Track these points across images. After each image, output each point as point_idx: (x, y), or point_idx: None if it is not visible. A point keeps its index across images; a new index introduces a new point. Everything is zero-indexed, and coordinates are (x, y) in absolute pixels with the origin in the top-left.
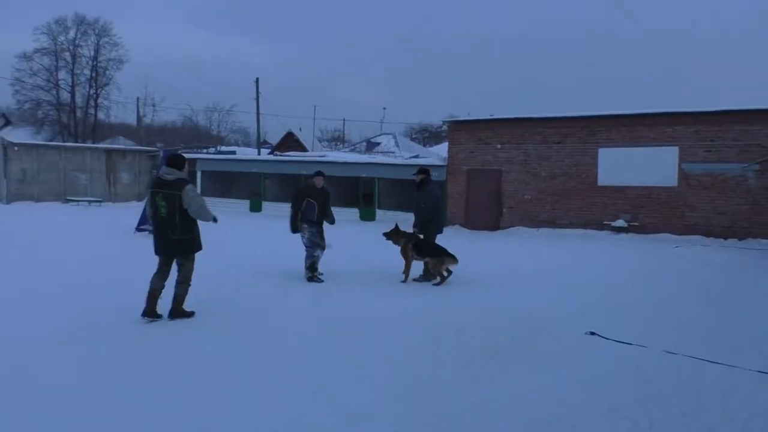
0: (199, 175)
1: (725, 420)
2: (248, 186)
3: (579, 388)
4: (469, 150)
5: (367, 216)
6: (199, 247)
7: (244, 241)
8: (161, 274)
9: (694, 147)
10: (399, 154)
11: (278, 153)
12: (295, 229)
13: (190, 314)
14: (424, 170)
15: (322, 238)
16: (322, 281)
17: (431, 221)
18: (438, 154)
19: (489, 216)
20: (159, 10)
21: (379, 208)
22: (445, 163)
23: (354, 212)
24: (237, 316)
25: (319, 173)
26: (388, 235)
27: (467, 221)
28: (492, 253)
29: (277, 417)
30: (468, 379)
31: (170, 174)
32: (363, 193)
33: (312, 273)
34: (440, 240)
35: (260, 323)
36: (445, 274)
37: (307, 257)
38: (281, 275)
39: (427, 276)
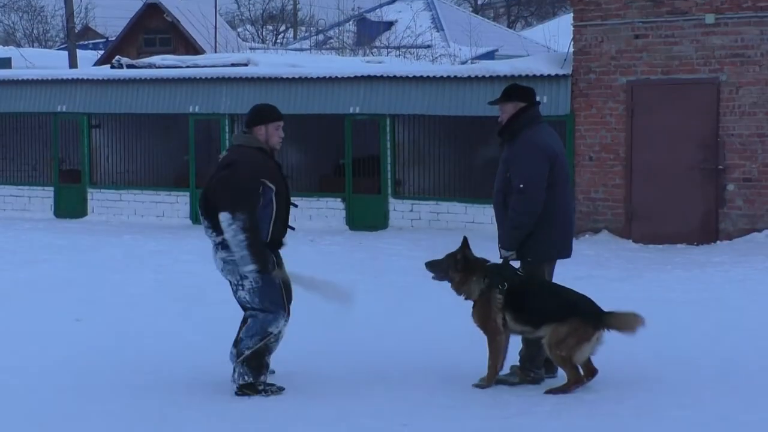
0: None
1: None
2: (42, 149)
3: None
4: (628, 33)
5: (366, 216)
6: None
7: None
8: None
9: None
10: (443, 49)
11: (124, 61)
12: (268, 264)
13: None
14: (517, 92)
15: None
16: (275, 392)
17: (545, 225)
18: (546, 45)
19: (689, 206)
20: None
21: (398, 195)
22: (566, 70)
23: (333, 208)
24: None
25: (268, 111)
26: (441, 268)
27: (630, 221)
28: (713, 309)
29: None
30: None
31: None
32: (354, 158)
33: (255, 377)
34: (563, 273)
35: None
36: (580, 369)
37: (251, 334)
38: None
39: (532, 367)
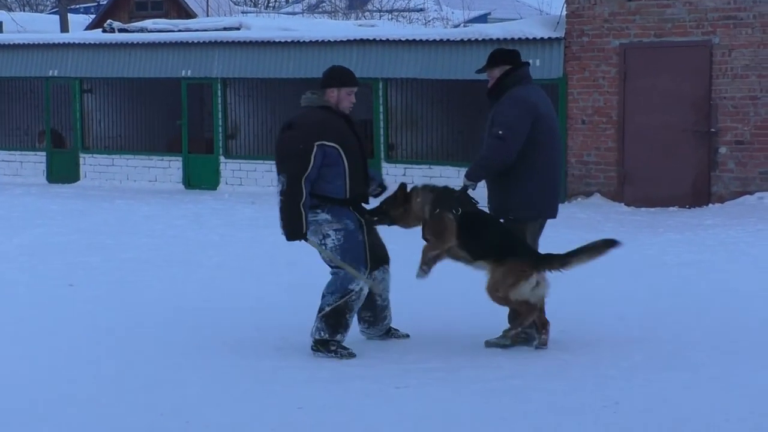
0: None
1: None
2: (34, 114)
3: None
4: None
5: None
6: None
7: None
8: None
9: None
10: (436, 12)
11: (116, 25)
12: (299, 230)
13: None
14: (502, 56)
15: (377, 242)
16: (345, 356)
17: (527, 184)
18: (538, 8)
19: (681, 169)
20: None
21: (391, 159)
22: (560, 33)
23: None
24: None
25: (344, 75)
26: (382, 211)
27: (622, 184)
28: (700, 277)
29: None
30: None
31: None
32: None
33: (331, 333)
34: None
35: None
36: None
37: (332, 291)
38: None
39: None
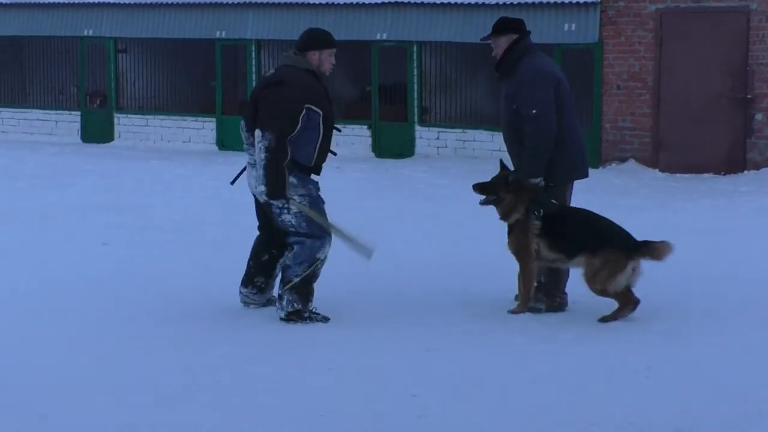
0: None
1: None
2: (68, 74)
3: None
4: None
5: (392, 144)
6: None
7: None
8: None
9: None
10: None
11: None
12: (282, 189)
13: None
14: (509, 25)
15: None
16: (320, 320)
17: (560, 148)
18: None
19: (716, 135)
20: None
21: (424, 123)
22: None
23: (359, 135)
24: None
25: (324, 37)
26: (493, 190)
27: (657, 150)
28: (735, 243)
29: None
30: None
31: None
32: (380, 85)
33: (303, 303)
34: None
35: None
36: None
37: (299, 261)
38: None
39: (557, 293)
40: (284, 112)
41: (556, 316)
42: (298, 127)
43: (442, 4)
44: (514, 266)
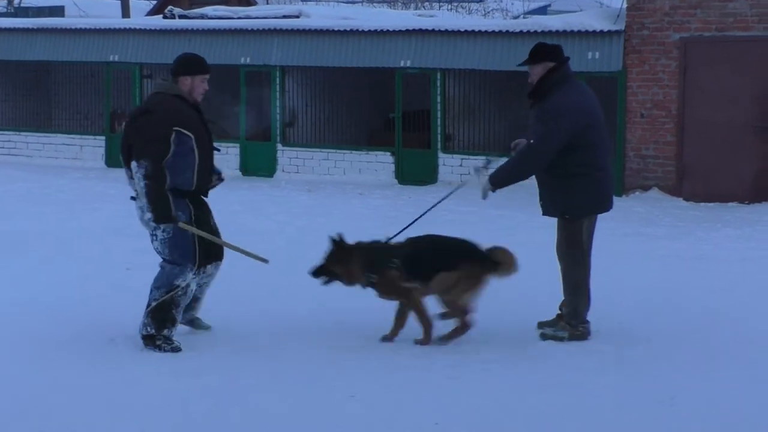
0: None
1: None
2: (94, 99)
3: None
4: None
5: (416, 171)
6: None
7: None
8: None
9: None
10: (495, 3)
11: (176, 12)
12: (167, 213)
13: None
14: (545, 52)
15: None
16: (170, 350)
17: (586, 182)
18: (599, 0)
19: (741, 164)
20: None
21: (448, 150)
22: (620, 25)
23: (382, 161)
24: None
25: (196, 63)
26: (326, 271)
27: (681, 178)
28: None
29: None
30: None
31: None
32: (404, 112)
33: (157, 329)
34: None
35: None
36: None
37: (158, 286)
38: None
39: (578, 323)
40: (154, 138)
41: (579, 345)
42: (172, 150)
43: (466, 31)
44: (537, 294)
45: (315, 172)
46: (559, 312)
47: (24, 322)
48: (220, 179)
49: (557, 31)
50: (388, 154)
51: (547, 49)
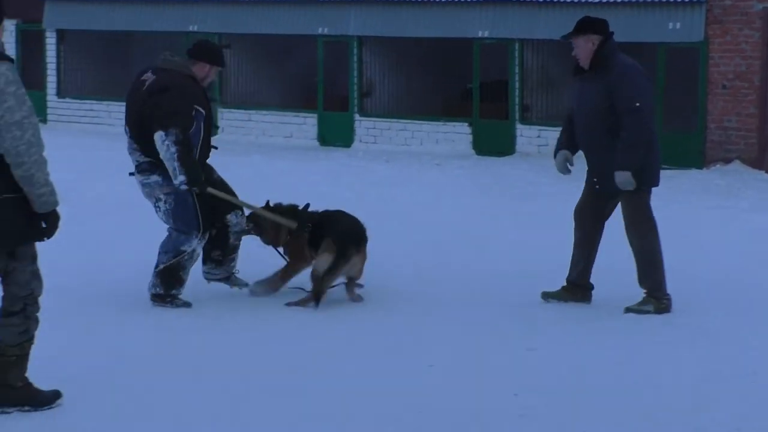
0: (50, 39)
1: None
2: None
3: None
4: None
5: (493, 141)
6: (31, 234)
7: None
8: None
9: None
10: None
11: None
12: (198, 177)
13: (44, 399)
14: (592, 25)
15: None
16: (179, 306)
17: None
18: None
19: None
20: None
21: (526, 121)
22: None
23: (459, 132)
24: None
25: (218, 55)
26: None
27: (764, 151)
28: None
29: None
30: None
31: None
32: (481, 82)
33: (165, 289)
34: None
35: None
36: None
37: (165, 250)
38: None
39: (661, 295)
40: (180, 110)
41: (658, 319)
42: (193, 124)
43: (544, 2)
44: (618, 266)
45: (392, 142)
46: (580, 284)
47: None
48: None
49: (637, 2)
50: (466, 124)
51: (594, 21)
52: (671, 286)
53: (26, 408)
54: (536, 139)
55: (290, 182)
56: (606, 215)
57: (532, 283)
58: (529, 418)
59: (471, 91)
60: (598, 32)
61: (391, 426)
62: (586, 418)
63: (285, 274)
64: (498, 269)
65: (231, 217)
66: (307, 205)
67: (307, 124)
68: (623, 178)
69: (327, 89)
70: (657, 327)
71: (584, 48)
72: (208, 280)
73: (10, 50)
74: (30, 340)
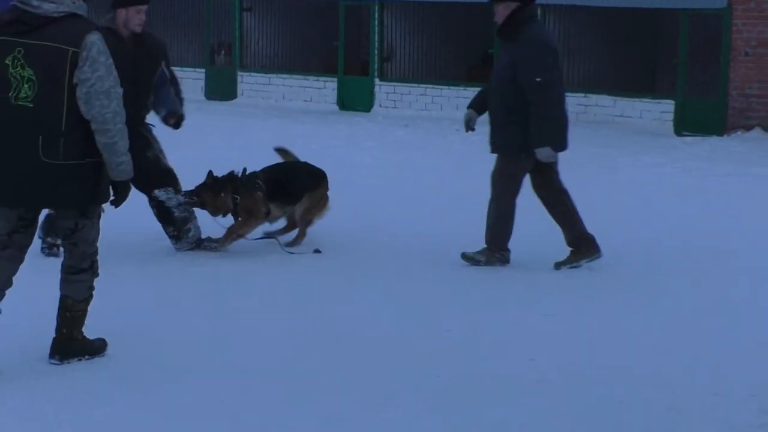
0: None
1: None
2: (194, 30)
3: None
4: None
5: None
6: (104, 196)
7: None
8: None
9: None
10: None
11: None
12: None
13: (97, 348)
14: None
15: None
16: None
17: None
18: None
19: None
20: None
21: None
22: None
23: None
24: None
25: None
26: (198, 192)
27: None
28: None
29: None
30: None
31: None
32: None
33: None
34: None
35: None
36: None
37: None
38: None
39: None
40: None
41: (679, 286)
42: None
43: None
44: (639, 234)
45: (412, 107)
46: (581, 236)
47: None
48: (175, 116)
49: None
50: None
51: None
52: (696, 255)
53: (86, 357)
54: None
55: (309, 146)
56: (552, 175)
57: (554, 250)
58: (546, 383)
59: (491, 56)
60: None
61: (409, 391)
62: (603, 382)
63: (241, 227)
64: (516, 235)
65: (159, 193)
66: (245, 170)
67: (327, 89)
68: (543, 154)
69: (348, 53)
70: (677, 295)
71: (501, 15)
72: (179, 249)
73: None
74: (93, 295)
